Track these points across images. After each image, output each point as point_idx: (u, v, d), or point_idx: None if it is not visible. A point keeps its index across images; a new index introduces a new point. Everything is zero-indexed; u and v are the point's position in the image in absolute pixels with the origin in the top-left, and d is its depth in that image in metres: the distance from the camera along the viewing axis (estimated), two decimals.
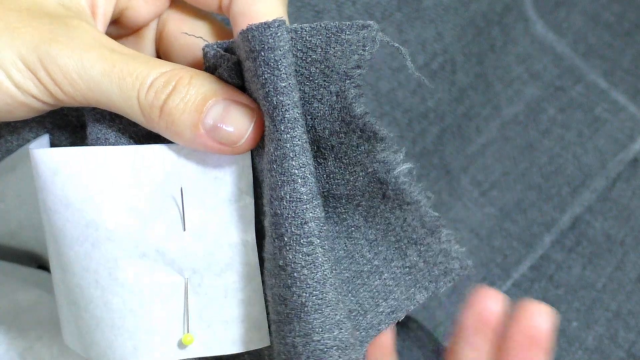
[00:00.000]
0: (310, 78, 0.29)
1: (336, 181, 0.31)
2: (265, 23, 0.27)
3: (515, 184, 0.51)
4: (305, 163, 0.28)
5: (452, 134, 0.50)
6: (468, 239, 0.50)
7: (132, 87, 0.28)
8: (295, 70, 0.28)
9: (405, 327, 0.47)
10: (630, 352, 0.46)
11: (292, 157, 0.27)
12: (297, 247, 0.28)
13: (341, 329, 0.29)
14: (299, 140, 0.28)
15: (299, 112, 0.28)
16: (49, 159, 0.30)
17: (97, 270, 0.31)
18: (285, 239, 0.28)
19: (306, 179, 0.28)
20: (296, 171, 0.28)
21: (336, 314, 0.29)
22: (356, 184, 0.30)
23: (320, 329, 0.29)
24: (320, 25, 0.28)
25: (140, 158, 0.30)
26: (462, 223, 0.50)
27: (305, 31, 0.28)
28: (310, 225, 0.28)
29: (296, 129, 0.28)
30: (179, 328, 0.32)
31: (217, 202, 0.31)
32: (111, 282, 0.31)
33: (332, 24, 0.28)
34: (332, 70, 0.28)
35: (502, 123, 0.53)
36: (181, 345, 0.32)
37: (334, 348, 0.29)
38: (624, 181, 0.51)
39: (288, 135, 0.27)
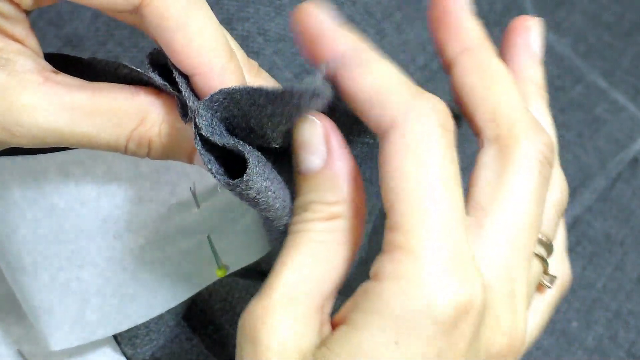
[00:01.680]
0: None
1: None
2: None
3: None
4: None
5: None
6: None
7: (108, 150, 0.28)
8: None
9: None
10: (630, 352, 0.46)
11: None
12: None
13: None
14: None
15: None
16: (55, 161, 0.31)
17: (123, 259, 0.33)
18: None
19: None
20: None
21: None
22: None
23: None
24: (258, 88, 0.25)
25: None
26: None
27: (245, 91, 0.25)
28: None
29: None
30: (212, 265, 0.36)
31: None
32: (139, 264, 0.33)
33: (267, 90, 0.24)
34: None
35: None
36: (216, 276, 0.37)
37: None
38: (624, 181, 0.51)
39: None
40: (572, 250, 0.49)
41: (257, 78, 0.29)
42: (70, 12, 0.43)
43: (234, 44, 0.29)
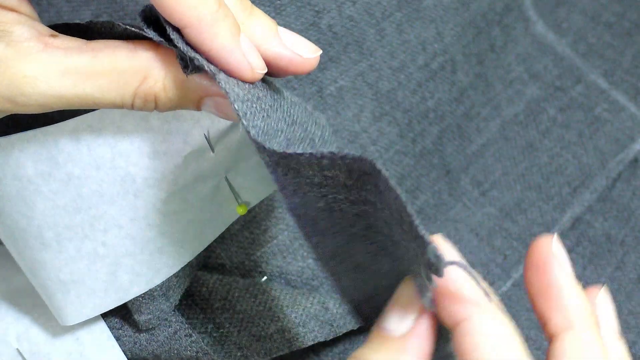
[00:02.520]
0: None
1: None
2: None
3: (515, 184, 0.51)
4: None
5: (452, 134, 0.50)
6: (468, 239, 0.50)
7: (115, 108, 0.28)
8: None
9: None
10: (630, 352, 0.46)
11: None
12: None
13: None
14: None
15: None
16: (65, 129, 0.31)
17: (146, 216, 0.33)
18: None
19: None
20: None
21: None
22: None
23: None
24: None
25: None
26: (462, 223, 0.50)
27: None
28: None
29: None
30: (232, 204, 0.37)
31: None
32: (164, 218, 0.34)
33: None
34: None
35: (502, 123, 0.53)
36: (237, 214, 0.38)
37: None
38: (624, 181, 0.51)
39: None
40: (572, 250, 0.49)
41: (251, 17, 0.29)
42: (70, 12, 0.43)
43: None
